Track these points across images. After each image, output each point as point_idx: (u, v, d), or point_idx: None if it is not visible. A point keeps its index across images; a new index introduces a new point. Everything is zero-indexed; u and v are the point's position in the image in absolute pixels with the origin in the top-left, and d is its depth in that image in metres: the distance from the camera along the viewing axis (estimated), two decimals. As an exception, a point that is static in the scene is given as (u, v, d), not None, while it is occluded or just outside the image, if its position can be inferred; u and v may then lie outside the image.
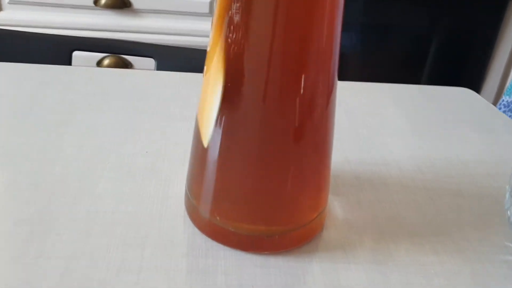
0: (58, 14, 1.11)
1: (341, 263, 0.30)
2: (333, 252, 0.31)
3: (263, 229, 0.30)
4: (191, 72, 0.52)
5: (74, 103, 0.44)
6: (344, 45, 0.31)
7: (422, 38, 1.26)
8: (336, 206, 0.34)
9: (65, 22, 1.11)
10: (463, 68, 1.31)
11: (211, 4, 1.13)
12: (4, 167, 0.35)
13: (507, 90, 0.83)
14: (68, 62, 0.57)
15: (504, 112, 0.79)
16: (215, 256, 0.29)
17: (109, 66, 1.08)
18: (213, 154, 0.29)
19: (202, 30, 1.15)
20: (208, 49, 0.29)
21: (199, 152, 0.30)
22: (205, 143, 0.29)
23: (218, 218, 0.30)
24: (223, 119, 0.28)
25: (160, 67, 0.56)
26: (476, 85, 1.33)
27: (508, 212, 0.34)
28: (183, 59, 0.56)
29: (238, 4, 0.26)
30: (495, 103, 1.16)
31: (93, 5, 1.09)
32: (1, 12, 1.10)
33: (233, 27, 0.26)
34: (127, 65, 1.03)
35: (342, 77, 0.33)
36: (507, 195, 0.35)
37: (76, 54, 0.58)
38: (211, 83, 0.28)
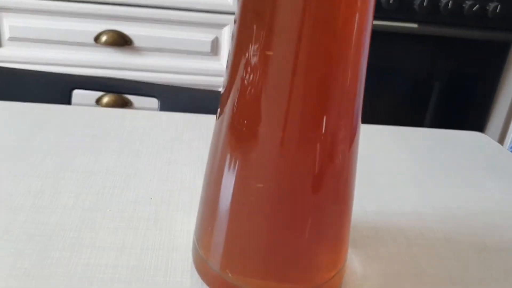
0: (59, 51, 1.10)
1: (364, 326, 0.27)
2: (354, 313, 0.28)
3: (276, 286, 0.28)
4: (195, 112, 0.50)
5: (72, 145, 0.42)
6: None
7: (424, 81, 1.26)
8: (354, 260, 0.32)
9: (66, 59, 1.10)
10: (465, 111, 1.30)
11: (213, 43, 1.13)
12: (-3, 214, 0.32)
13: None
14: (68, 100, 0.55)
15: None
16: (226, 318, 0.27)
17: (108, 104, 1.07)
18: (225, 204, 0.27)
19: (203, 69, 1.14)
20: (222, 91, 0.27)
21: (210, 201, 0.28)
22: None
23: (229, 274, 0.27)
24: (237, 165, 0.26)
25: (163, 107, 0.54)
26: (479, 128, 1.32)
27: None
28: (187, 99, 0.55)
29: (256, 46, 0.24)
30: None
31: (93, 42, 1.09)
32: (1, 48, 1.09)
33: (250, 68, 0.24)
34: (126, 103, 1.02)
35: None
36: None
37: (76, 91, 0.57)
38: (224, 126, 0.26)
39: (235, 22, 0.25)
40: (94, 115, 0.47)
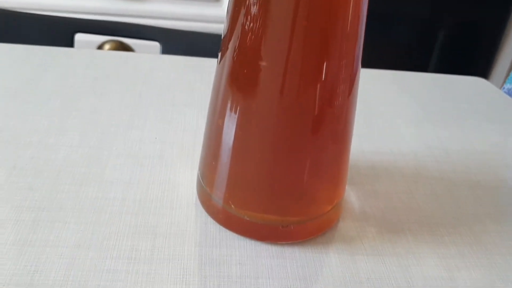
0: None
1: (359, 254, 0.29)
2: (350, 244, 0.29)
3: (278, 219, 0.29)
4: (197, 56, 0.50)
5: (76, 87, 0.42)
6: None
7: (429, 28, 1.25)
8: (352, 197, 0.33)
9: (68, 6, 1.08)
10: (470, 58, 1.30)
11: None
12: (6, 152, 0.33)
13: (509, 78, 0.82)
14: (70, 44, 0.55)
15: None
16: (229, 245, 0.28)
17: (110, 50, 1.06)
18: (228, 140, 0.28)
19: (205, 15, 1.13)
20: (222, 36, 0.28)
21: (213, 138, 0.29)
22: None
23: (232, 206, 0.29)
24: (239, 104, 0.27)
25: (165, 51, 0.54)
26: (483, 75, 1.31)
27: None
28: (189, 43, 0.55)
29: None
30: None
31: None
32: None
33: (251, 11, 0.25)
34: (128, 50, 1.01)
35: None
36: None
37: (77, 37, 0.57)
38: (226, 69, 0.27)
39: None
40: (97, 58, 0.48)
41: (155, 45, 0.55)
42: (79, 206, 0.30)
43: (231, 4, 0.26)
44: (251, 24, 0.25)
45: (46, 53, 0.47)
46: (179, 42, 0.54)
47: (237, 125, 0.27)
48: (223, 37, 0.27)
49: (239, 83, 0.27)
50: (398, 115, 0.44)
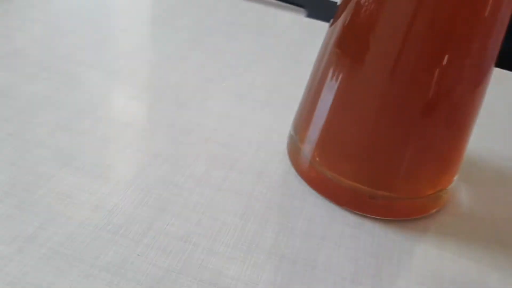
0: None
1: (450, 253, 0.24)
2: (443, 239, 0.25)
3: (366, 188, 0.26)
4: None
5: (208, 26, 0.42)
6: None
7: None
8: (462, 193, 0.29)
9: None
10: None
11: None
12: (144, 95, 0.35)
13: None
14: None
15: None
16: (304, 199, 0.26)
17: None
18: (330, 94, 0.25)
19: None
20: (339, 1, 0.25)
21: (314, 87, 0.27)
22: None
23: (319, 162, 0.26)
24: (350, 58, 0.24)
25: (310, 16, 0.53)
26: None
27: None
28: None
29: None
30: None
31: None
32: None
33: None
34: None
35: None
36: None
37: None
38: (336, 33, 0.25)
39: None
40: (241, 7, 0.48)
41: (300, 9, 0.54)
42: (170, 123, 0.29)
43: None
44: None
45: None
46: (324, 10, 0.53)
47: (342, 78, 0.25)
48: (340, 2, 0.25)
49: (356, 39, 0.24)
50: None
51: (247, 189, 0.26)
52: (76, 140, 0.27)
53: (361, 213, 0.26)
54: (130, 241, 0.22)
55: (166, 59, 0.36)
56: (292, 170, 0.28)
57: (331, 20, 0.26)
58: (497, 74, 0.30)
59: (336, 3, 0.58)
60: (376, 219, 0.25)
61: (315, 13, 0.53)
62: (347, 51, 0.24)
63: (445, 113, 0.24)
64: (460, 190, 0.29)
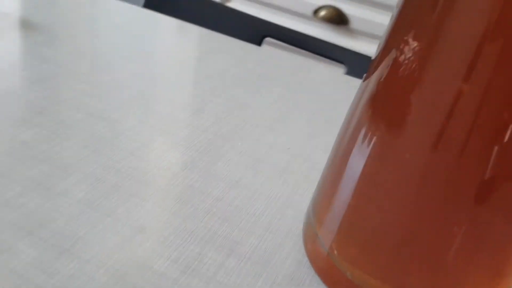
0: (274, 18, 1.11)
1: None
2: None
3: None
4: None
5: (233, 76, 0.38)
6: None
7: None
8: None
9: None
10: None
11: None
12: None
13: None
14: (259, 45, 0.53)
15: None
16: (315, 303, 0.20)
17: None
18: (356, 168, 0.20)
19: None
20: (373, 57, 0.21)
21: (338, 159, 0.22)
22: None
23: (336, 254, 0.21)
24: (382, 134, 0.19)
25: (350, 73, 0.48)
26: None
27: None
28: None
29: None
30: None
31: (311, 15, 1.07)
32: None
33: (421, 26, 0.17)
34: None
35: None
36: None
37: (266, 40, 0.54)
38: (369, 91, 0.20)
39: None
40: (283, 57, 0.44)
41: (340, 65, 0.50)
42: (166, 188, 0.25)
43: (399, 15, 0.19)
44: (414, 52, 0.18)
45: (236, 46, 0.45)
46: (364, 66, 0.48)
47: (373, 149, 0.20)
48: (378, 54, 0.20)
49: (393, 99, 0.19)
50: None
51: (245, 284, 0.20)
52: (50, 203, 0.23)
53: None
54: None
55: (180, 110, 0.32)
56: (306, 261, 0.22)
57: (365, 75, 0.21)
58: None
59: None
60: (408, 338, 0.20)
61: (355, 70, 0.49)
62: (381, 114, 0.19)
63: (506, 200, 0.18)
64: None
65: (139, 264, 0.20)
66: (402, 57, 0.18)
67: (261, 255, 0.22)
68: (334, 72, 0.43)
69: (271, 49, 0.45)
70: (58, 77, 0.33)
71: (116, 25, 0.42)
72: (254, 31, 0.53)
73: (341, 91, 0.39)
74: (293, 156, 0.30)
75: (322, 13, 1.07)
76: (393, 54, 0.19)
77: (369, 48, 1.06)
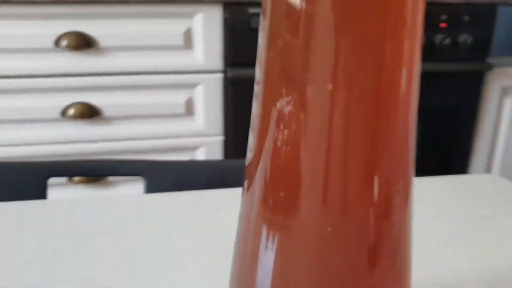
0: (24, 130, 1.04)
1: None
2: None
3: None
4: (185, 188, 0.45)
5: (55, 249, 0.36)
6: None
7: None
8: None
9: (32, 138, 1.04)
10: (448, 148, 1.29)
11: (187, 104, 1.09)
12: None
13: None
14: (43, 189, 0.49)
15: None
16: None
17: (82, 180, 1.01)
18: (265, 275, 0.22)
19: (179, 131, 1.10)
20: (247, 163, 0.23)
21: (246, 270, 0.23)
22: None
23: None
24: (276, 235, 0.21)
25: (150, 186, 0.49)
26: (464, 164, 1.31)
27: None
28: (174, 174, 0.50)
29: (289, 107, 0.20)
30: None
31: (60, 116, 1.03)
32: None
33: (284, 132, 0.20)
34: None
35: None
36: None
37: (51, 181, 0.51)
38: (255, 201, 0.22)
39: (257, 83, 0.22)
40: (75, 207, 0.42)
41: (138, 179, 0.50)
42: None
43: (257, 123, 0.22)
44: (286, 143, 0.21)
45: (19, 209, 0.41)
46: (164, 174, 0.50)
47: (275, 265, 0.22)
48: (248, 163, 0.23)
49: (274, 209, 0.21)
50: (427, 234, 0.39)
51: None
52: None
53: None
54: None
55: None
56: None
57: (245, 185, 0.23)
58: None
59: (173, 162, 0.56)
60: None
61: (154, 182, 0.50)
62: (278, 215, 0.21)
63: (390, 256, 0.22)
64: None
65: None
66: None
67: None
68: (135, 197, 0.43)
69: (71, 201, 0.43)
70: None
71: None
72: (36, 175, 0.49)
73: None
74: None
75: (71, 111, 1.04)
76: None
77: (129, 129, 1.08)
